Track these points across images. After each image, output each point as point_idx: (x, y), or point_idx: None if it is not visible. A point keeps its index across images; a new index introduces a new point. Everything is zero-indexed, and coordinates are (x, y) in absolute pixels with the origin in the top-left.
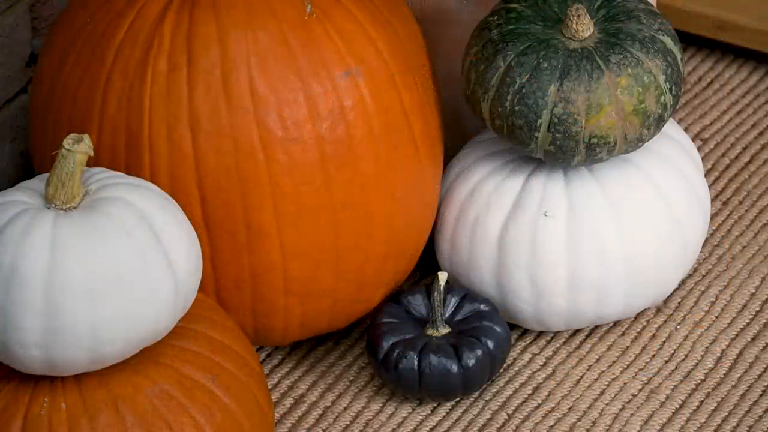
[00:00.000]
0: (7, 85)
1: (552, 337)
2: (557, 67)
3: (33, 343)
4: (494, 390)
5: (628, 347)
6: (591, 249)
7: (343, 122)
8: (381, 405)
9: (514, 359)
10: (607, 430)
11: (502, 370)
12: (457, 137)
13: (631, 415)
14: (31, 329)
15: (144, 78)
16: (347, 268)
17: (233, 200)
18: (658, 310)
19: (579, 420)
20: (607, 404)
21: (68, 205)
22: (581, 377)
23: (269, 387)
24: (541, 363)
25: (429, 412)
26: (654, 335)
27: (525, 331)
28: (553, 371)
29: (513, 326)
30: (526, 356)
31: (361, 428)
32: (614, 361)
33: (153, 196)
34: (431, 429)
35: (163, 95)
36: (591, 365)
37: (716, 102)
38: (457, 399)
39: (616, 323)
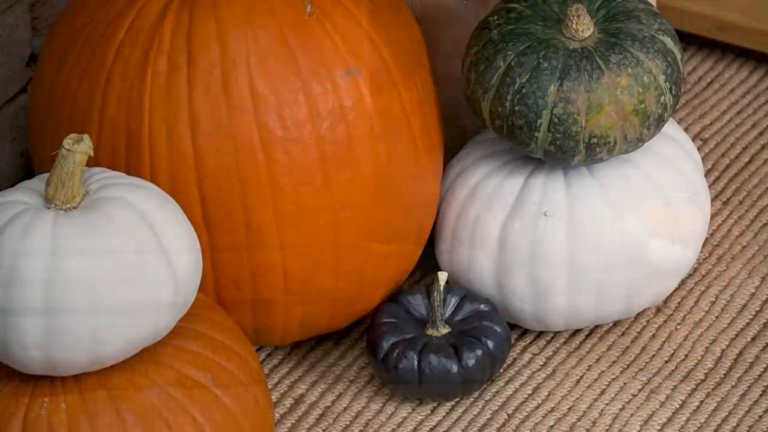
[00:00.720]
0: (7, 85)
1: (552, 337)
2: (557, 67)
3: (33, 344)
4: (494, 390)
5: (628, 347)
6: (591, 249)
7: (343, 122)
8: (381, 405)
9: (514, 359)
10: (607, 430)
11: (502, 370)
12: (457, 137)
13: (631, 415)
14: (31, 329)
15: (144, 78)
16: (347, 268)
17: (233, 200)
18: (658, 310)
19: (579, 420)
20: (607, 404)
21: (68, 205)
22: (581, 377)
23: (269, 387)
24: (541, 363)
25: (429, 412)
26: (654, 335)
27: (525, 331)
28: (553, 371)
29: (513, 326)
30: (526, 356)
31: (361, 428)
32: (614, 361)
33: (153, 196)
34: (431, 429)
35: (163, 95)
36: (591, 365)
37: (716, 102)
38: (457, 399)
39: (616, 323)
